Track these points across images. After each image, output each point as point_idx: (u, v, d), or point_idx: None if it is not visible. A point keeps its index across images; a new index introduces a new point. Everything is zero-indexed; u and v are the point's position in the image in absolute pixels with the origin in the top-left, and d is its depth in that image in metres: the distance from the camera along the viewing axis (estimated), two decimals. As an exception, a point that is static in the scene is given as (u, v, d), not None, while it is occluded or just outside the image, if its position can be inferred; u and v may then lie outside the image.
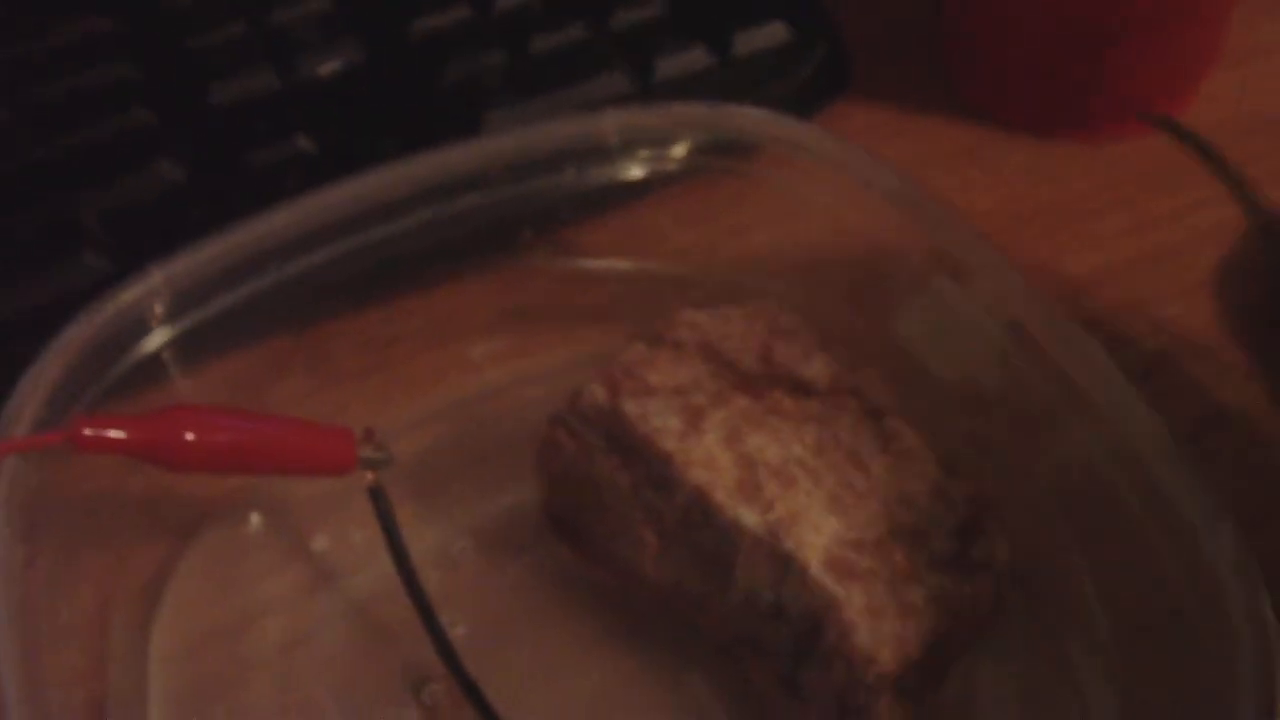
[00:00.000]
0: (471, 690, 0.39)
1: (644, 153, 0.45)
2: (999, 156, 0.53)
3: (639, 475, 0.39)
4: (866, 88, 0.54)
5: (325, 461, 0.39)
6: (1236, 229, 0.49)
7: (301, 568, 0.42)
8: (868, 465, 0.40)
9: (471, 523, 0.43)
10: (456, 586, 0.42)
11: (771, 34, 0.52)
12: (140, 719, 0.39)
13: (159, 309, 0.40)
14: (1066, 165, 0.52)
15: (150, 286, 0.40)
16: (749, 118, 0.45)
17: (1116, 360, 0.40)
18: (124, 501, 0.40)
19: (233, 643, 0.41)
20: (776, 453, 0.39)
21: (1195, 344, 0.47)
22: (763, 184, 0.45)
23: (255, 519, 0.43)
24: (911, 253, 0.43)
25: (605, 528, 0.40)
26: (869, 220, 0.44)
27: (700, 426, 0.39)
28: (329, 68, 0.50)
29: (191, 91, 0.49)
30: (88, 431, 0.36)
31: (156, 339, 0.40)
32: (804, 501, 0.38)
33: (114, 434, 0.36)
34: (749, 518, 0.38)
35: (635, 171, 0.45)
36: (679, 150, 0.45)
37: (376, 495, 0.39)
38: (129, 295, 0.40)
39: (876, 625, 0.37)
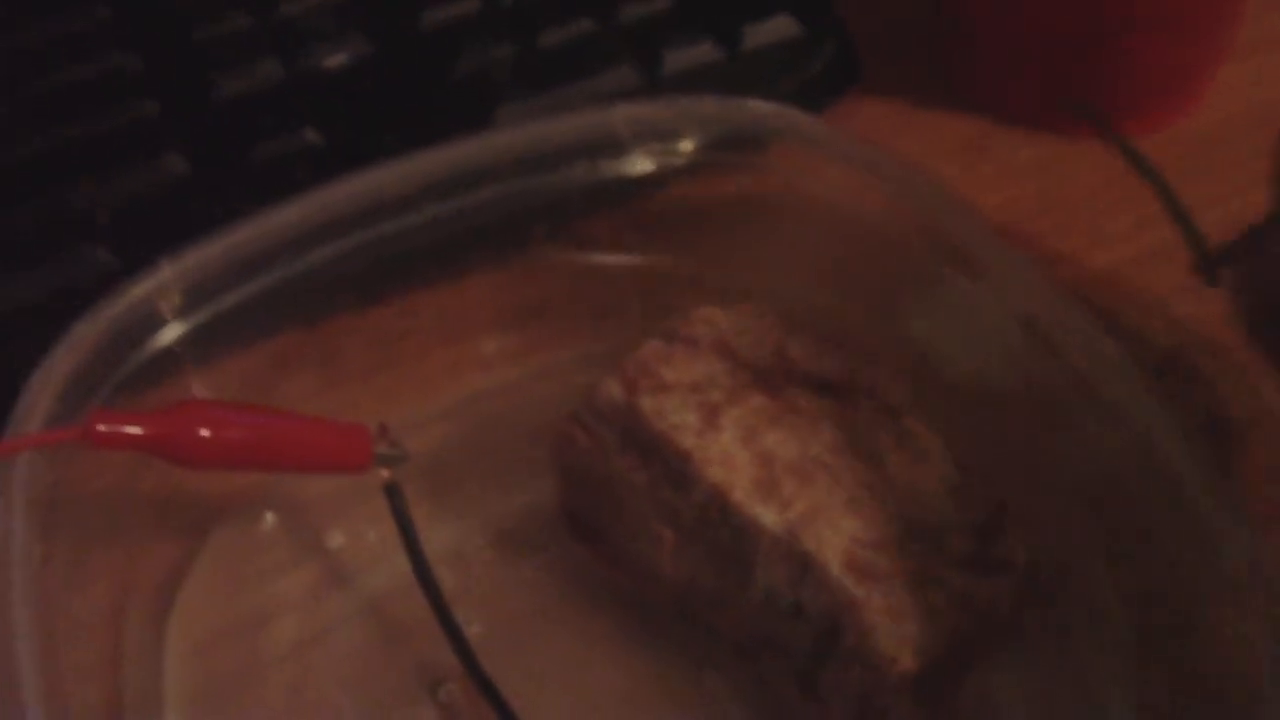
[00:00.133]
0: (488, 689, 0.38)
1: (655, 147, 0.44)
2: (1008, 152, 0.52)
3: (656, 473, 0.39)
4: (871, 84, 0.53)
5: (341, 458, 0.39)
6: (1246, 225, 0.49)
7: (316, 565, 0.42)
8: (885, 464, 0.39)
9: (486, 521, 0.43)
10: (471, 585, 0.41)
11: (780, 28, 0.52)
12: (155, 716, 0.39)
13: (170, 304, 0.40)
14: (1076, 161, 0.52)
15: (161, 281, 0.39)
16: (760, 112, 0.45)
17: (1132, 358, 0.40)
18: (138, 499, 0.40)
19: (247, 640, 0.40)
20: (794, 451, 0.39)
21: (1208, 342, 0.47)
22: (774, 178, 0.45)
23: (269, 516, 0.43)
24: (924, 248, 0.43)
25: (622, 526, 0.40)
26: (881, 215, 0.44)
27: (717, 424, 0.39)
28: (336, 60, 0.49)
29: (198, 84, 0.49)
30: (103, 427, 0.36)
31: (167, 334, 0.40)
32: (822, 500, 0.38)
33: (129, 429, 0.36)
34: (767, 516, 0.37)
35: (646, 166, 0.44)
36: (690, 145, 0.45)
37: (392, 493, 0.39)
38: (140, 290, 0.39)
39: (896, 626, 0.36)
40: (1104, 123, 0.50)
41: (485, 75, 0.49)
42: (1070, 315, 0.41)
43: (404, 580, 0.39)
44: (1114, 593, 0.40)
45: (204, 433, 0.37)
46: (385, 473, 0.39)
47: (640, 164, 0.44)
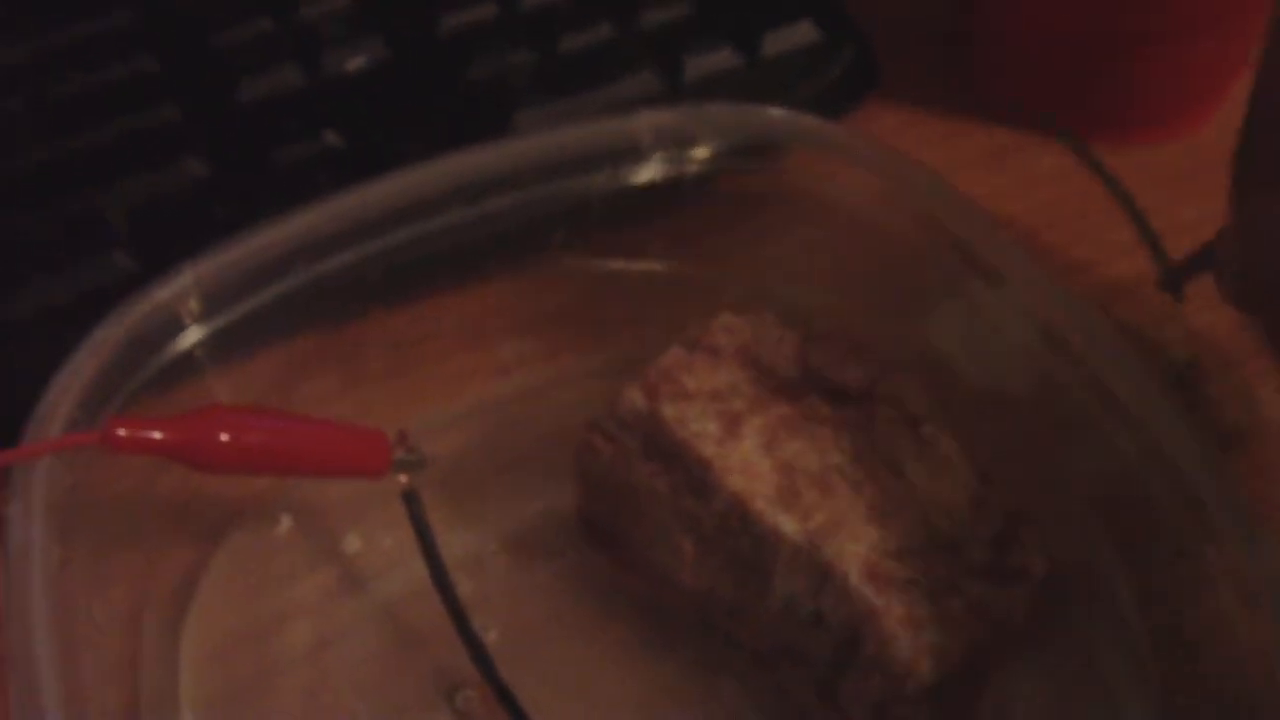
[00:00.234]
0: (505, 696, 0.38)
1: (675, 154, 0.44)
2: (1029, 161, 0.52)
3: (677, 481, 0.39)
4: (890, 91, 0.53)
5: (360, 464, 0.39)
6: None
7: (332, 570, 0.42)
8: (904, 473, 0.39)
9: (503, 527, 0.43)
10: (488, 591, 0.41)
11: (799, 34, 0.51)
12: (172, 719, 0.39)
13: (190, 308, 0.40)
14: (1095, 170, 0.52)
15: (182, 285, 0.39)
16: (779, 118, 0.45)
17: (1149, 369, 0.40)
18: (155, 502, 0.40)
19: (263, 644, 0.40)
20: (815, 460, 0.39)
21: (1226, 352, 0.47)
22: (792, 185, 0.45)
23: (285, 521, 0.43)
24: (944, 256, 0.43)
25: (641, 533, 0.40)
26: (901, 223, 0.44)
27: (738, 432, 0.39)
28: (356, 64, 0.49)
29: (218, 88, 0.48)
30: (122, 432, 0.36)
31: (188, 338, 0.40)
32: (843, 509, 0.38)
33: (148, 434, 0.36)
34: (788, 526, 0.37)
35: (666, 173, 0.44)
36: (709, 151, 0.44)
37: (411, 499, 0.39)
38: (161, 294, 0.39)
39: (916, 636, 0.36)
40: (1079, 145, 0.50)
41: (504, 80, 0.49)
42: (1089, 324, 0.41)
43: (421, 585, 0.39)
44: (1131, 600, 0.40)
45: (223, 438, 0.37)
46: (403, 478, 0.39)
47: (660, 170, 0.44)
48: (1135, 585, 0.40)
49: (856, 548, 0.37)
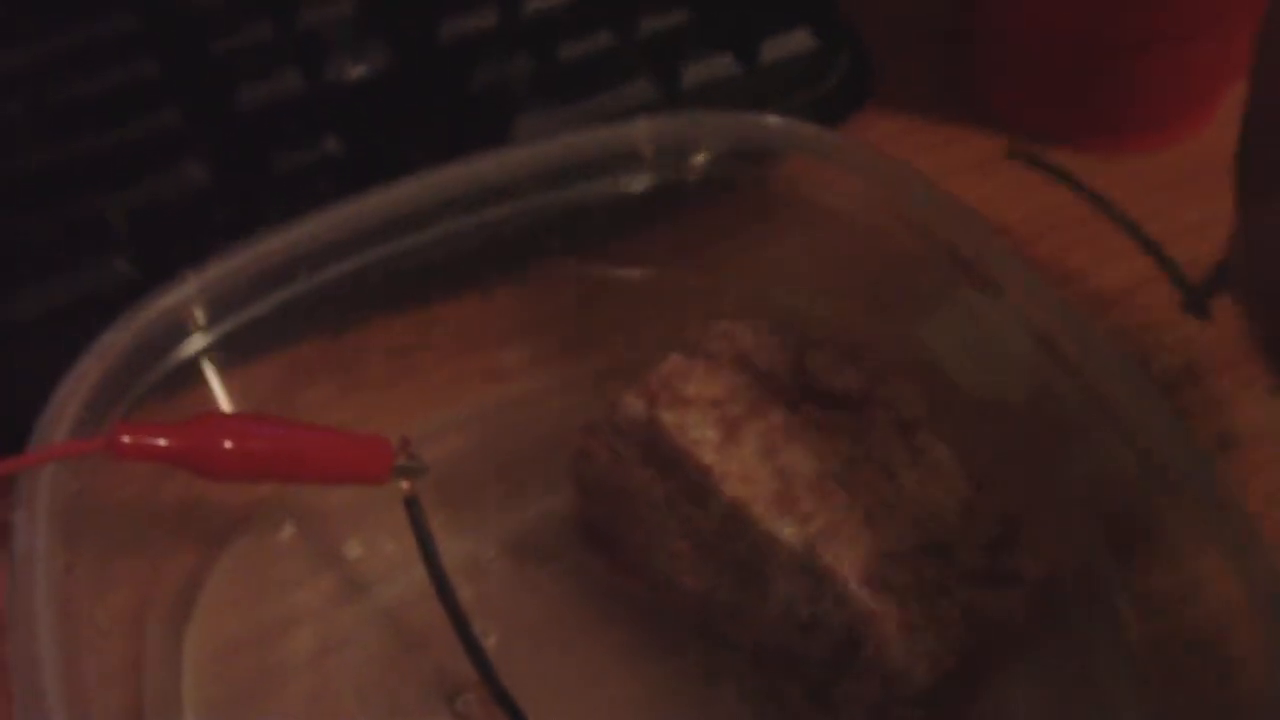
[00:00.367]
0: (504, 700, 0.39)
1: (672, 161, 0.44)
2: (1025, 167, 0.52)
3: (675, 487, 0.39)
4: (886, 98, 0.53)
5: (362, 470, 0.39)
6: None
7: (333, 576, 0.42)
8: (899, 479, 0.40)
9: (502, 532, 0.43)
10: (487, 596, 0.42)
11: (797, 42, 0.52)
12: (175, 725, 0.39)
13: (194, 315, 0.40)
14: (1093, 176, 0.52)
15: (185, 292, 0.40)
16: (777, 126, 0.45)
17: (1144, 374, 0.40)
18: (159, 508, 0.40)
19: (265, 649, 0.41)
20: (812, 465, 0.39)
21: (1223, 359, 0.47)
22: (791, 192, 0.45)
23: (288, 527, 0.43)
24: (940, 263, 0.43)
25: (639, 538, 0.40)
26: (897, 230, 0.44)
27: (737, 438, 0.39)
28: (357, 71, 0.50)
29: (218, 93, 0.49)
30: (126, 439, 0.36)
31: (192, 345, 0.40)
32: (840, 515, 0.38)
33: (153, 441, 0.36)
34: (787, 531, 0.38)
35: (663, 180, 0.45)
36: (707, 158, 0.45)
37: (412, 505, 0.39)
38: (165, 301, 0.39)
39: (912, 640, 0.37)
40: (1064, 174, 0.50)
41: (504, 87, 0.49)
42: (1084, 331, 0.41)
43: (421, 590, 0.39)
44: (1128, 603, 0.40)
45: (227, 444, 0.37)
46: (405, 484, 0.40)
47: (658, 178, 0.45)
48: (1132, 589, 0.40)
49: (854, 553, 0.37)
